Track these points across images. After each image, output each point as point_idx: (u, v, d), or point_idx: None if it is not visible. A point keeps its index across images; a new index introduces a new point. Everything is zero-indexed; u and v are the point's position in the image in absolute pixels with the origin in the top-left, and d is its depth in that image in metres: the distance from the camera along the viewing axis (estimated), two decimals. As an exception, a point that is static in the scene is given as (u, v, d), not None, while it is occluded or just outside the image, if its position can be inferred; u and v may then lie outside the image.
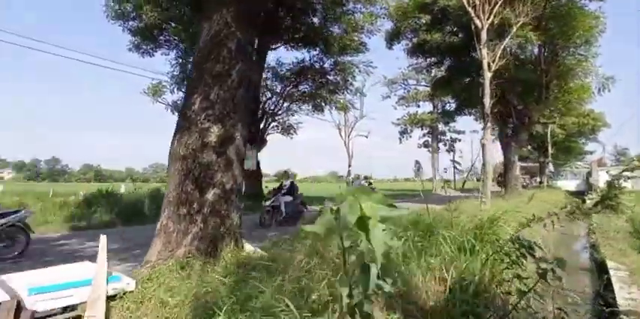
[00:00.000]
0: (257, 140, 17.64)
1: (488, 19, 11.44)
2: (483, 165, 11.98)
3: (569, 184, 25.86)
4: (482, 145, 11.86)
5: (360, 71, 18.34)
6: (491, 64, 11.75)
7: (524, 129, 19.44)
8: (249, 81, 5.57)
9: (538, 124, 21.54)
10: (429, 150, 39.32)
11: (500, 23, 13.94)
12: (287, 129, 19.12)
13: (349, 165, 25.27)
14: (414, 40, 21.43)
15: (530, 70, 18.83)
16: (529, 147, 37.96)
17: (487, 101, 11.72)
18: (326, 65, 18.66)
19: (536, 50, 18.52)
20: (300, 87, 18.92)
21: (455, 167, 33.86)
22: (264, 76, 18.36)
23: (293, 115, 19.60)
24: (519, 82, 19.84)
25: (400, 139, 41.07)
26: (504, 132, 20.33)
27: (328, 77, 19.25)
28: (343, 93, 19.87)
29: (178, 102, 17.80)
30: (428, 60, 23.68)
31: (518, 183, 19.66)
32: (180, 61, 17.23)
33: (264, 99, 18.30)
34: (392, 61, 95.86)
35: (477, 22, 11.52)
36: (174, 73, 17.52)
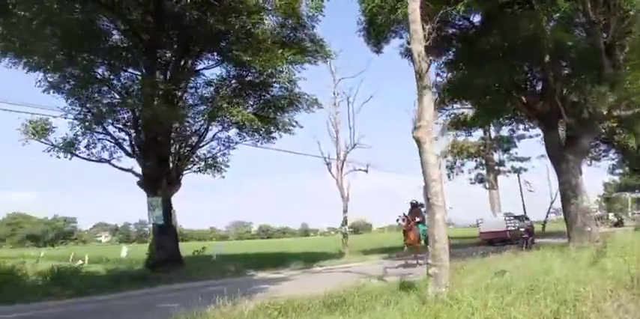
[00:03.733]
0: (162, 183, 12.52)
1: None
2: (425, 187, 5.21)
3: None
4: (418, 142, 5.22)
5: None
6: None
7: (585, 132, 11.65)
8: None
9: (610, 122, 13.27)
10: (485, 187, 30.58)
11: None
12: (212, 166, 13.81)
13: (344, 211, 18.58)
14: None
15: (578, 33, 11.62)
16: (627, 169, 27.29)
17: (417, 47, 5.34)
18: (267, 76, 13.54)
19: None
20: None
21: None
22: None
23: (231, 147, 14.35)
24: (565, 55, 12.53)
25: (449, 175, 33.07)
26: (554, 140, 12.63)
27: (271, 91, 14.06)
28: (295, 110, 14.33)
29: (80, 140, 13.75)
30: (436, 61, 17.44)
31: (589, 222, 11.36)
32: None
33: (176, 125, 13.46)
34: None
35: None
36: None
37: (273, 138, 14.71)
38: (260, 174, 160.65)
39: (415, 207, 12.77)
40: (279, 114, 14.33)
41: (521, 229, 16.85)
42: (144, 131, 12.52)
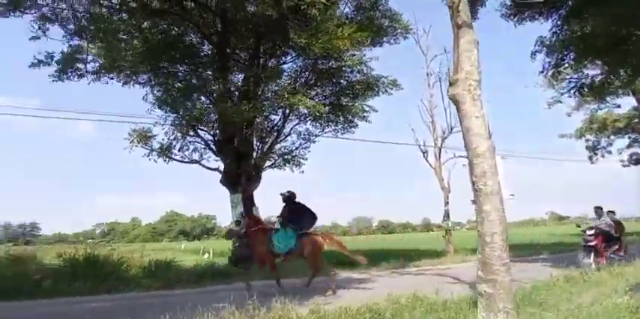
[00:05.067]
0: (241, 180, 12.65)
1: None
2: (469, 165, 3.63)
3: None
4: (455, 103, 3.67)
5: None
6: None
7: None
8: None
9: None
10: (644, 169, 24.19)
11: None
12: (289, 161, 13.36)
13: (446, 203, 16.42)
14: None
15: None
16: None
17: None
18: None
19: None
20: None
21: None
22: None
23: (311, 141, 13.82)
24: None
25: (591, 158, 27.31)
26: None
27: (346, 77, 13.11)
28: (374, 94, 13.11)
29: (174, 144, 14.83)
30: (551, 17, 14.16)
31: None
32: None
33: (260, 120, 13.51)
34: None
35: None
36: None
37: (354, 126, 13.75)
38: (374, 168, 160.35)
39: (292, 202, 8.08)
40: (357, 100, 13.31)
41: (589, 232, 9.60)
42: (221, 129, 12.85)
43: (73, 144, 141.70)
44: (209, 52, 14.67)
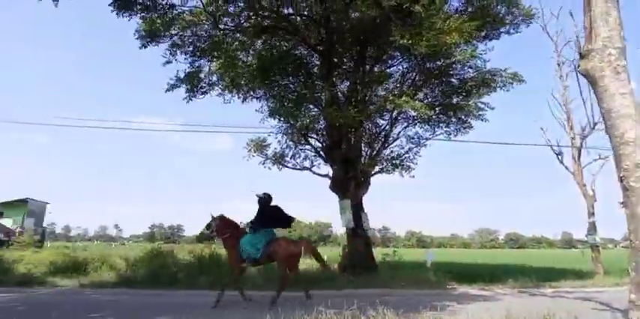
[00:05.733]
0: (350, 186, 12.59)
1: None
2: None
3: None
4: (589, 79, 2.88)
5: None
6: None
7: None
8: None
9: None
10: None
11: None
12: (398, 165, 12.66)
13: (590, 214, 13.73)
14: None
15: None
16: None
17: None
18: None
19: None
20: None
21: None
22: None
23: (421, 144, 13.02)
24: None
25: None
26: None
27: (457, 75, 12.16)
28: (490, 91, 11.84)
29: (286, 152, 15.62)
30: None
31: None
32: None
33: (368, 125, 13.39)
34: None
35: None
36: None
37: (468, 127, 12.60)
38: (497, 173, 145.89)
39: (267, 204, 7.64)
40: (470, 98, 12.18)
41: None
42: (329, 135, 13.04)
43: (213, 155, 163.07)
44: (317, 63, 15.23)
